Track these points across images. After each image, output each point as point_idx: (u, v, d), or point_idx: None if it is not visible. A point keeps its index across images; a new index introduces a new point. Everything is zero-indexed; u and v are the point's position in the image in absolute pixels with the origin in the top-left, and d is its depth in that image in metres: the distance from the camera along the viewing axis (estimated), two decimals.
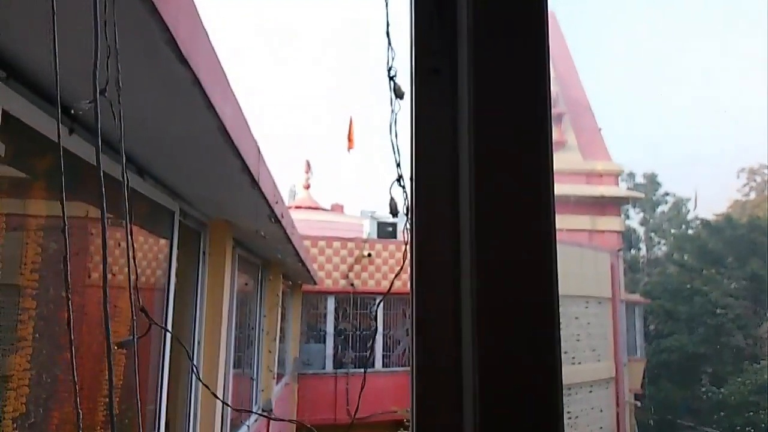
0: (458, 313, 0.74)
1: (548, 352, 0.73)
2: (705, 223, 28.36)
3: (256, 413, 7.71)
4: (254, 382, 8.17)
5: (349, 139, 18.08)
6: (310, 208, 16.88)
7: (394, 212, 1.00)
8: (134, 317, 0.94)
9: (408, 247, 0.80)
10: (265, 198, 3.93)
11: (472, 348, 0.70)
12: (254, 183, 3.49)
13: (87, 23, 1.00)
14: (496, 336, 0.72)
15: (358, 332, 14.52)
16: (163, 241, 4.03)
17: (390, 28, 0.95)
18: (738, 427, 16.47)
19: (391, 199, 0.97)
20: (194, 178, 3.67)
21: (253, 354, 8.05)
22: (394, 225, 15.72)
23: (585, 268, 14.68)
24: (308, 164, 17.87)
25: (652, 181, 36.50)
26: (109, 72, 1.05)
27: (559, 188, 11.91)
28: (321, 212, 17.19)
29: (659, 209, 37.45)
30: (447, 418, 0.72)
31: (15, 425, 2.19)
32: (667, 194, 37.23)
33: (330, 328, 14.35)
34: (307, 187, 17.65)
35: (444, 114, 0.78)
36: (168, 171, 3.43)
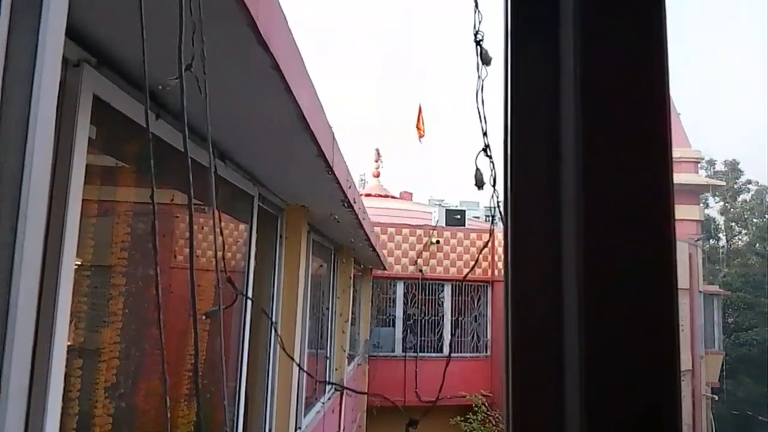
0: (559, 297, 0.63)
1: (667, 355, 0.60)
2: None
3: (331, 383, 7.97)
4: (328, 361, 8.46)
5: (418, 128, 18.17)
6: (379, 195, 17.10)
7: (479, 184, 1.00)
8: (219, 286, 1.07)
9: (492, 235, 0.78)
10: (339, 183, 4.09)
11: (578, 343, 0.60)
12: (329, 168, 3.65)
13: (171, 2, 1.03)
14: (606, 328, 0.59)
15: (426, 317, 14.67)
16: (243, 225, 4.28)
17: None
18: None
19: (477, 170, 0.97)
20: (272, 163, 3.87)
21: (327, 334, 8.32)
22: (462, 212, 15.70)
23: None
24: (378, 153, 18.08)
25: (734, 169, 34.50)
26: (194, 47, 1.07)
27: None
28: (390, 200, 17.39)
29: (740, 198, 35.33)
30: (546, 416, 0.63)
31: (106, 394, 2.35)
32: (749, 182, 35.09)
33: (399, 312, 14.55)
34: (377, 175, 17.87)
35: (543, 74, 0.67)
36: (247, 156, 3.64)
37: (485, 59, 0.89)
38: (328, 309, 8.32)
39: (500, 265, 14.61)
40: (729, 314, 22.84)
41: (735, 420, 20.45)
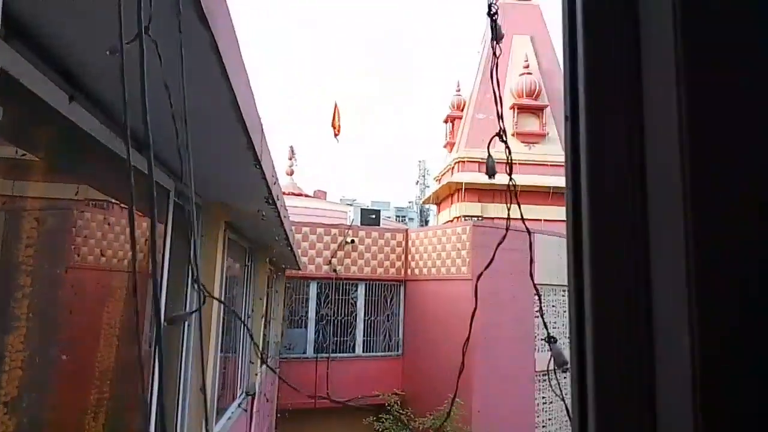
0: (648, 300, 0.55)
1: None
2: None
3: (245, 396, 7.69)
4: (240, 366, 8.17)
5: (334, 126, 18.06)
6: (293, 194, 16.81)
7: (491, 173, 0.94)
8: (195, 287, 0.95)
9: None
10: (265, 178, 3.91)
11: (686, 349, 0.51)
12: (257, 162, 3.47)
13: None
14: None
15: (339, 318, 14.59)
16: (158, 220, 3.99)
17: None
18: None
19: (489, 157, 0.91)
20: (194, 155, 3.62)
21: (239, 338, 8.04)
22: (377, 212, 15.76)
23: (564, 258, 14.86)
24: (292, 150, 17.79)
25: None
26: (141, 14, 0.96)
27: (540, 179, 12.12)
28: (304, 198, 17.15)
29: None
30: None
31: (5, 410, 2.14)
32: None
33: (312, 313, 14.38)
34: (291, 173, 17.56)
35: (621, 36, 0.56)
36: (167, 146, 3.39)
37: (499, 35, 0.82)
38: (242, 310, 8.04)
39: (413, 264, 14.79)
40: None
41: None
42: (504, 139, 0.82)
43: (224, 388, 6.95)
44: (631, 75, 0.57)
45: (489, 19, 0.82)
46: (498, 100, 0.81)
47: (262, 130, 3.52)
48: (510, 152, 0.73)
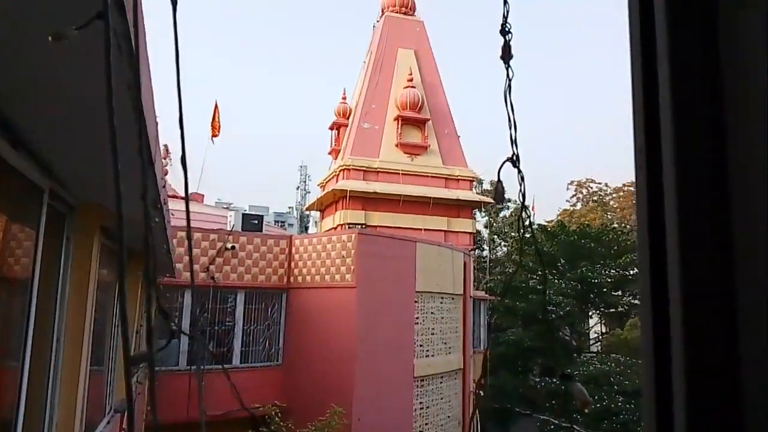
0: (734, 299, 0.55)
1: None
2: (542, 228, 31.19)
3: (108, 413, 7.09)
4: (108, 380, 7.53)
5: (214, 126, 17.34)
6: (169, 196, 15.87)
7: (499, 199, 0.88)
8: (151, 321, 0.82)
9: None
10: (156, 180, 3.62)
11: None
12: (150, 162, 3.20)
13: None
14: None
15: (216, 327, 13.98)
16: (27, 223, 3.56)
17: None
18: (567, 413, 18.27)
19: (498, 183, 0.85)
20: (75, 152, 3.28)
21: (109, 350, 7.42)
22: (259, 218, 15.33)
23: (443, 266, 15.42)
24: (167, 149, 16.81)
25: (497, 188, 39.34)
26: None
27: (421, 190, 12.49)
28: (180, 201, 16.25)
29: (502, 213, 40.58)
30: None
31: None
32: (509, 200, 40.45)
33: (186, 323, 13.63)
34: (165, 173, 16.57)
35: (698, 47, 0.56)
36: (48, 142, 3.03)
37: (508, 56, 0.78)
38: (111, 322, 7.43)
39: (297, 272, 14.55)
40: (491, 316, 25.76)
41: (497, 413, 23.11)
42: (517, 164, 0.76)
43: (95, 402, 6.37)
44: (716, 104, 0.56)
45: (502, 39, 0.77)
46: (512, 124, 0.75)
47: (157, 126, 3.26)
48: (523, 179, 0.68)
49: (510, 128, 0.77)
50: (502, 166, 0.78)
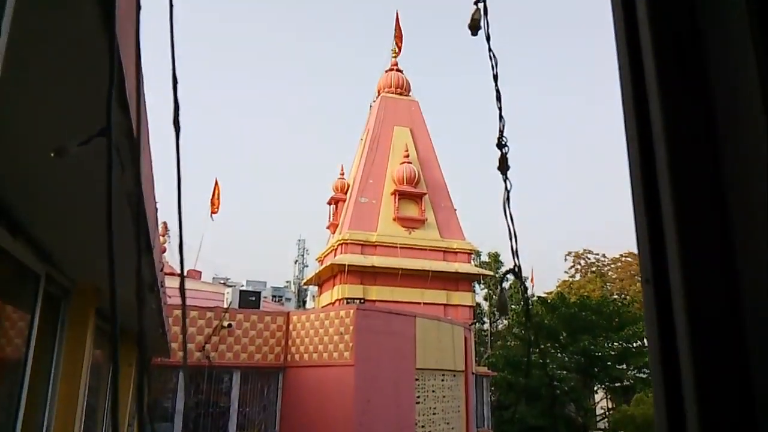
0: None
1: None
2: (542, 300, 30.88)
3: None
4: None
5: (213, 203, 17.52)
6: (166, 274, 15.79)
7: (502, 310, 0.86)
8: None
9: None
10: (154, 264, 3.61)
11: None
12: (148, 249, 3.20)
13: None
14: None
15: (211, 409, 13.54)
16: (22, 307, 3.52)
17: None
18: None
19: (501, 292, 0.85)
20: (72, 238, 3.29)
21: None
22: (257, 294, 15.18)
23: (443, 341, 15.16)
24: (165, 226, 16.90)
25: (496, 260, 39.34)
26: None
27: (419, 263, 12.47)
28: (177, 278, 16.16)
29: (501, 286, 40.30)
30: None
31: None
32: (508, 272, 40.26)
33: (179, 404, 13.21)
34: (164, 251, 16.56)
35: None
36: (45, 228, 3.05)
37: (505, 168, 0.79)
38: (105, 402, 7.20)
39: (293, 349, 14.27)
40: (493, 393, 25.07)
41: None
42: (519, 274, 0.76)
43: None
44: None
45: (500, 153, 0.78)
46: (512, 235, 0.75)
47: (157, 212, 3.28)
48: (526, 290, 0.68)
49: (510, 239, 0.78)
50: (504, 276, 0.79)
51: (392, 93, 23.07)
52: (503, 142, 0.81)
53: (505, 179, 0.81)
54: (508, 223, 0.78)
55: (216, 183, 17.82)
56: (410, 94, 23.51)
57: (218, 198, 17.45)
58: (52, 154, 1.00)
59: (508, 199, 0.78)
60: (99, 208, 2.58)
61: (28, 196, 2.61)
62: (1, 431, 3.32)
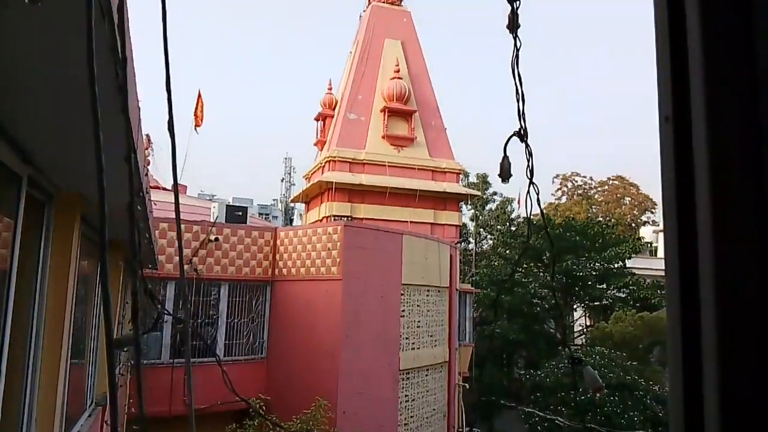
0: None
1: None
2: (527, 221, 31.20)
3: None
4: (89, 373, 7.38)
5: (196, 116, 17.09)
6: (150, 187, 15.62)
7: (505, 176, 0.80)
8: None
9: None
10: (138, 168, 3.49)
11: None
12: (132, 150, 3.06)
13: None
14: None
15: (199, 320, 13.81)
16: (4, 211, 3.41)
17: None
18: (551, 406, 18.41)
19: (504, 158, 0.77)
20: (56, 139, 3.14)
21: (90, 342, 7.26)
22: (244, 209, 15.15)
23: (430, 259, 15.38)
24: (149, 139, 16.53)
25: (484, 181, 39.49)
26: None
27: (407, 182, 12.40)
28: (162, 192, 16.03)
29: (488, 207, 40.68)
30: None
31: None
32: (495, 193, 40.62)
33: (167, 316, 13.46)
34: (147, 164, 16.31)
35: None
36: (25, 125, 2.90)
37: (515, 25, 0.71)
38: (92, 314, 7.27)
39: (281, 264, 14.42)
40: (476, 309, 25.86)
41: (483, 405, 23.22)
42: (525, 139, 0.69)
43: (75, 396, 6.23)
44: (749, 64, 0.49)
45: (510, 6, 0.70)
46: (520, 97, 0.68)
47: (140, 111, 3.13)
48: (531, 154, 0.61)
49: (517, 101, 0.70)
50: (509, 140, 0.72)
51: (383, 2, 22.14)
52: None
53: (515, 37, 0.73)
54: (516, 83, 0.71)
55: (199, 95, 17.31)
56: (402, 4, 22.58)
57: (202, 111, 17.01)
58: (26, 0, 0.87)
59: (517, 58, 0.70)
60: (82, 104, 2.44)
61: (7, 94, 2.44)
62: None
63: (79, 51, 2.00)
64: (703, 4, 0.54)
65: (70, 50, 2.00)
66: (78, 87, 2.29)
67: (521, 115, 0.68)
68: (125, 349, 10.73)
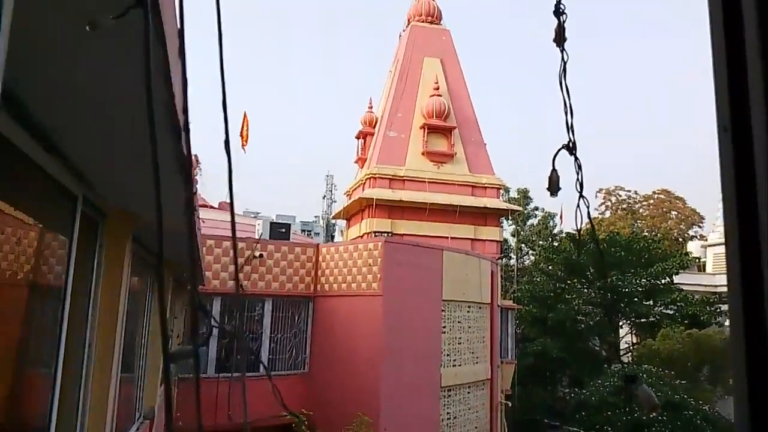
0: None
1: None
2: (570, 237, 30.76)
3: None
4: (138, 387, 7.59)
5: (242, 136, 17.51)
6: (198, 205, 16.08)
7: (554, 189, 0.81)
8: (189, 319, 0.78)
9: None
10: (190, 188, 3.63)
11: None
12: (182, 168, 3.20)
13: None
14: None
15: (244, 335, 14.04)
16: (61, 230, 3.59)
17: None
18: (597, 426, 17.89)
19: (553, 171, 0.79)
20: (108, 158, 3.30)
21: (139, 357, 7.48)
22: (287, 226, 15.42)
23: (470, 275, 15.27)
24: (197, 159, 17.02)
25: (525, 196, 39.07)
26: None
27: (448, 198, 12.38)
28: (209, 210, 16.46)
29: (529, 222, 40.17)
30: None
31: None
32: (536, 209, 40.11)
33: (214, 330, 13.73)
34: (195, 182, 16.79)
35: None
36: (79, 147, 3.05)
37: (562, 38, 0.73)
38: (142, 330, 7.50)
39: (323, 279, 14.57)
40: (518, 326, 25.45)
41: (526, 424, 22.76)
42: (574, 152, 0.70)
43: (125, 409, 6.42)
44: None
45: (557, 19, 0.72)
46: (569, 110, 0.70)
47: (189, 133, 3.26)
48: (580, 167, 0.63)
49: (566, 114, 0.72)
50: (558, 153, 0.73)
51: (422, 21, 22.34)
52: (561, 10, 0.74)
53: (562, 50, 0.75)
54: (563, 96, 0.73)
55: (245, 116, 17.74)
56: (441, 22, 22.74)
57: (247, 131, 17.42)
58: (87, 27, 0.96)
59: (564, 71, 0.72)
60: (135, 124, 2.58)
61: (61, 113, 2.60)
62: (46, 349, 3.46)
63: (135, 74, 2.13)
64: (763, 6, 0.55)
65: (124, 73, 2.12)
66: (129, 107, 2.42)
67: (569, 128, 0.71)
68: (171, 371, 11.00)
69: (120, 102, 2.40)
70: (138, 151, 3.16)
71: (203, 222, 13.88)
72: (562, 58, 0.76)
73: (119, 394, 6.11)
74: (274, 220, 17.91)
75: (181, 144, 2.61)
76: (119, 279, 4.69)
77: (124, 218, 4.67)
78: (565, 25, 0.76)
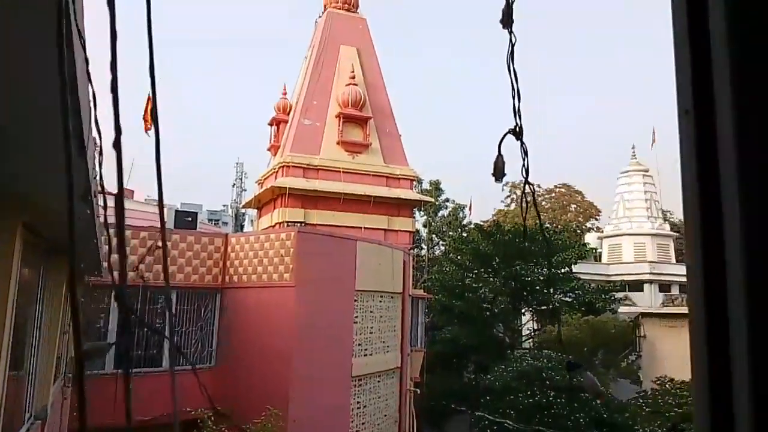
0: None
1: None
2: (478, 227, 31.82)
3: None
4: (28, 386, 7.02)
5: (146, 119, 16.59)
6: (98, 191, 15.06)
7: (499, 175, 0.77)
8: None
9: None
10: (87, 170, 3.35)
11: None
12: (82, 149, 2.94)
13: None
14: None
15: (145, 329, 13.37)
16: None
17: None
18: (500, 410, 18.63)
19: (499, 157, 0.74)
20: None
21: (30, 354, 6.91)
22: (193, 215, 14.80)
23: (383, 265, 15.37)
24: (95, 141, 15.97)
25: (437, 188, 39.96)
26: None
27: (362, 188, 12.43)
28: (108, 197, 15.47)
29: (440, 213, 41.19)
30: None
31: None
32: (447, 200, 41.15)
33: (113, 324, 12.99)
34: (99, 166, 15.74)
35: None
36: None
37: (509, 20, 0.69)
38: (33, 325, 6.93)
39: (232, 271, 14.14)
40: (427, 314, 26.01)
41: (433, 410, 23.33)
42: (520, 137, 0.66)
43: (13, 409, 5.91)
44: None
45: (505, 2, 0.68)
46: (516, 92, 0.66)
47: (91, 114, 2.99)
48: (527, 152, 0.59)
49: (513, 98, 0.69)
50: (504, 138, 0.69)
51: (339, 8, 22.11)
52: None
53: (510, 32, 0.71)
54: (511, 79, 0.69)
55: (149, 98, 16.81)
56: (358, 11, 22.62)
57: (150, 113, 16.54)
58: None
59: (512, 54, 0.68)
60: (23, 100, 2.31)
61: None
62: None
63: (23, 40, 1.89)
64: None
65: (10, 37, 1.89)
66: (21, 84, 2.17)
67: (516, 112, 0.68)
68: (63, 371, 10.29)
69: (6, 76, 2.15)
70: (31, 135, 2.86)
71: (102, 210, 12.93)
72: (510, 41, 0.73)
73: (7, 393, 5.62)
74: (180, 209, 17.13)
75: (72, 123, 2.38)
76: (8, 272, 4.28)
77: (12, 201, 4.25)
78: (513, 6, 0.73)
